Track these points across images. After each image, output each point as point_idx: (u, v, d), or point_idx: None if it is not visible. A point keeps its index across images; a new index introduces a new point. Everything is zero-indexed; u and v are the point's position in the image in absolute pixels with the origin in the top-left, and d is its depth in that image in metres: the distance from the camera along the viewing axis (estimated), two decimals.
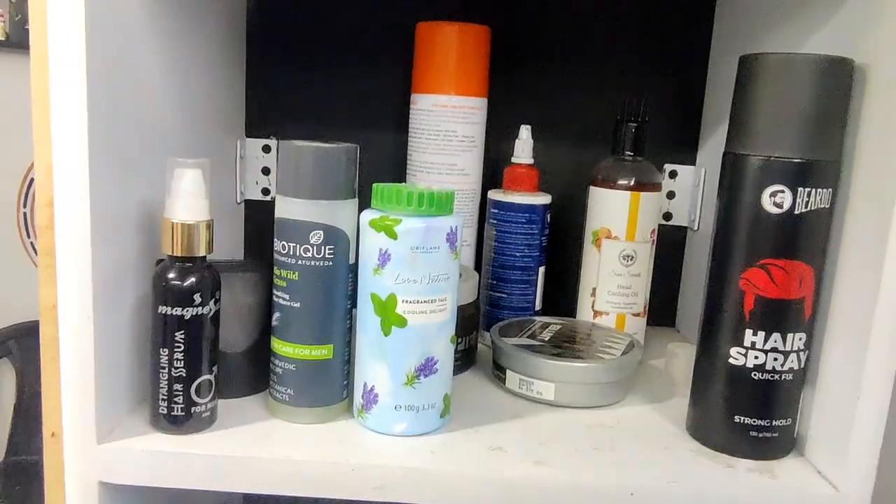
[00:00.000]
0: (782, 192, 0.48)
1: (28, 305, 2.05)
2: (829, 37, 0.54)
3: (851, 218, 0.49)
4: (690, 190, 0.79)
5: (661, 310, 0.81)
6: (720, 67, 0.75)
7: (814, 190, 0.48)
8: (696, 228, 0.78)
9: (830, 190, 0.49)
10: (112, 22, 0.47)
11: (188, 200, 0.48)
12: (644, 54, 0.77)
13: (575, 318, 0.72)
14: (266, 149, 0.78)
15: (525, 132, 0.71)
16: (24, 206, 2.19)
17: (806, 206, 0.48)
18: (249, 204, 0.79)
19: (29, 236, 2.19)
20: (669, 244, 0.80)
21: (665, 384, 0.66)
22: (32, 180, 2.12)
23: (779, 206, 0.49)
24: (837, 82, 0.48)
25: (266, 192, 0.79)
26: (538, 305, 0.73)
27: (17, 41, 2.06)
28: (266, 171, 0.78)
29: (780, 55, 0.49)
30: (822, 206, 0.49)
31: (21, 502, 1.77)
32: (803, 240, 0.49)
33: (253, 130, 0.78)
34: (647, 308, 0.71)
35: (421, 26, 0.69)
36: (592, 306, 0.70)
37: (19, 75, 2.05)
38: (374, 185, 0.51)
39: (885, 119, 0.46)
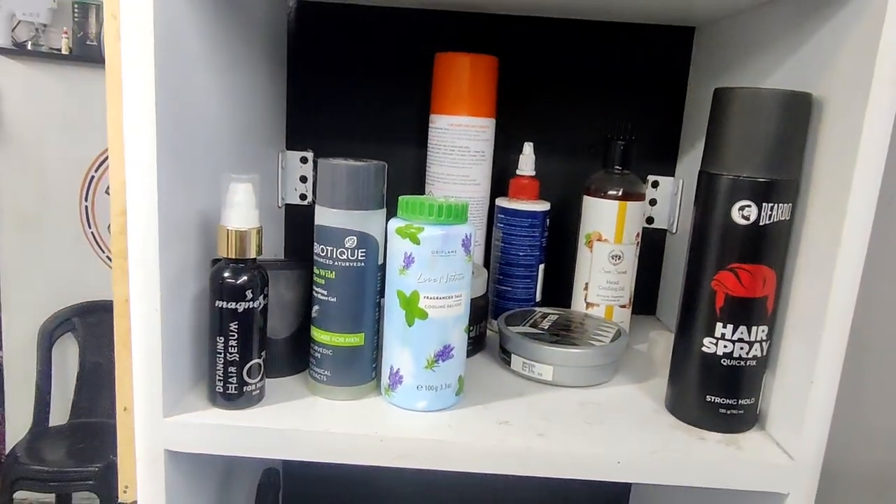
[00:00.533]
0: (749, 206, 0.49)
1: (89, 288, 2.07)
2: (791, 70, 0.54)
3: (808, 228, 0.50)
4: (670, 198, 0.79)
5: (644, 301, 0.81)
6: (697, 92, 0.74)
7: (776, 205, 0.49)
8: (674, 231, 0.78)
9: (790, 204, 0.50)
10: (176, 57, 0.48)
11: (241, 210, 0.49)
12: (631, 81, 0.77)
13: (570, 308, 0.72)
14: (303, 160, 0.78)
15: (528, 148, 0.71)
16: (86, 199, 2.19)
17: (769, 219, 0.49)
18: (289, 207, 0.79)
19: (90, 227, 2.19)
20: (652, 244, 0.80)
21: (647, 366, 0.67)
22: (93, 178, 2.13)
23: (746, 218, 0.49)
24: (797, 113, 0.49)
25: (303, 197, 0.79)
26: (539, 297, 0.73)
27: (79, 55, 2.07)
28: (304, 179, 0.79)
29: (748, 90, 0.50)
30: (784, 218, 0.49)
31: (83, 458, 1.80)
32: (767, 247, 0.50)
33: (292, 144, 0.78)
34: (632, 300, 0.71)
35: (439, 56, 0.69)
36: (585, 298, 0.70)
37: (80, 85, 2.05)
38: (400, 197, 0.52)
39: (837, 144, 0.47)
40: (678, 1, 0.61)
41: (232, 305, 0.49)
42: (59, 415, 2.04)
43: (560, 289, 0.77)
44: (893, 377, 0.56)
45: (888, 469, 0.55)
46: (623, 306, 0.70)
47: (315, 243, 0.52)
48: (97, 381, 2.06)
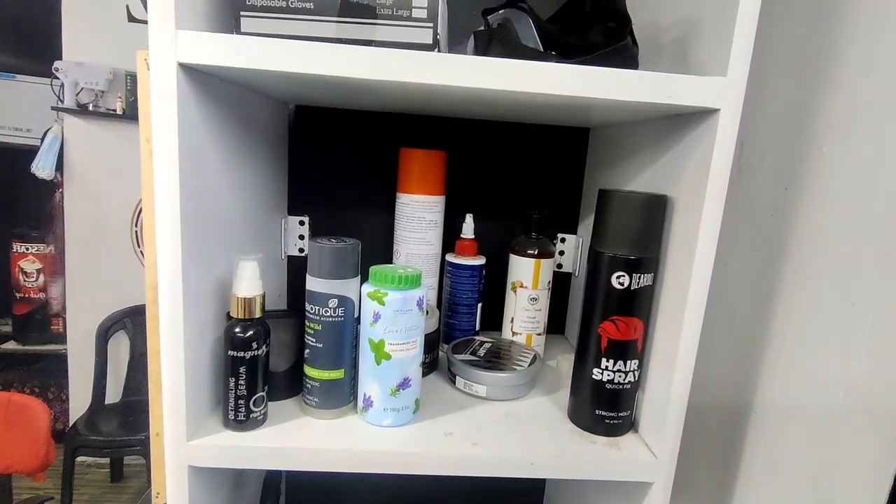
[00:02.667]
0: (623, 276, 0.50)
1: (136, 294, 2.02)
2: (655, 172, 0.56)
3: (665, 291, 0.51)
4: (573, 250, 0.80)
5: (556, 324, 0.82)
6: (592, 174, 0.76)
7: (643, 275, 0.50)
8: (577, 275, 0.79)
9: (653, 274, 0.51)
10: (197, 164, 0.47)
11: (247, 283, 0.48)
12: (545, 166, 0.78)
13: (501, 335, 0.73)
14: (301, 223, 0.77)
15: (469, 218, 0.71)
16: (136, 225, 2.13)
17: (638, 284, 0.50)
18: (290, 259, 0.78)
19: (139, 246, 2.13)
20: (561, 283, 0.81)
21: (556, 380, 0.67)
22: (141, 209, 2.06)
23: (622, 284, 0.50)
24: (657, 209, 0.50)
25: (301, 250, 0.78)
26: (478, 327, 0.73)
27: (131, 115, 2.01)
28: (301, 237, 0.77)
29: (622, 192, 0.51)
30: (648, 284, 0.51)
31: (132, 429, 1.74)
32: (636, 305, 0.51)
33: (293, 210, 0.77)
34: (546, 328, 0.72)
35: (403, 150, 0.69)
36: (511, 329, 0.71)
37: (130, 137, 2.00)
38: (371, 268, 0.52)
39: (683, 232, 0.49)
40: (578, 112, 0.62)
41: (241, 354, 0.48)
42: (112, 394, 1.98)
43: (494, 320, 0.77)
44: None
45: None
46: (539, 334, 0.71)
47: (306, 303, 0.52)
48: (144, 367, 2.00)
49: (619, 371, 0.52)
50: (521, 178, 0.78)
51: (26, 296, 2.20)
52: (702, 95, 0.44)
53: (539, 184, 0.78)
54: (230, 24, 0.42)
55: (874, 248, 0.43)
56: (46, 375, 2.20)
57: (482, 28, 0.49)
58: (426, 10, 0.42)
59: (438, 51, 0.43)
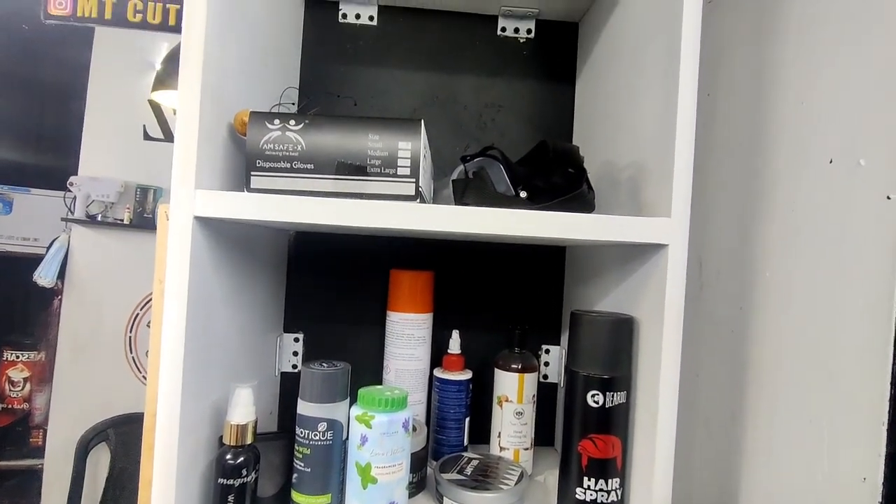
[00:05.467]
0: (598, 394, 0.53)
1: (123, 403, 1.98)
2: (620, 292, 0.60)
3: (638, 408, 0.54)
4: (558, 361, 0.82)
5: (544, 436, 0.82)
6: (570, 289, 0.80)
7: (616, 393, 0.53)
8: (562, 385, 0.81)
9: (625, 392, 0.54)
10: (203, 298, 0.51)
11: (241, 410, 0.51)
12: (526, 283, 0.82)
13: (489, 450, 0.73)
14: (296, 339, 0.80)
15: (455, 334, 0.74)
16: (130, 331, 2.14)
17: (612, 402, 0.53)
18: (284, 375, 0.80)
19: (131, 352, 2.12)
20: (546, 394, 0.82)
21: (544, 496, 0.66)
22: (137, 314, 2.09)
23: (597, 402, 0.53)
24: (626, 330, 0.54)
25: (295, 366, 0.80)
26: (466, 442, 0.73)
27: (137, 224, 2.11)
28: (295, 353, 0.80)
29: (590, 314, 0.55)
30: (622, 402, 0.53)
31: None
32: (613, 423, 0.53)
33: (288, 328, 0.80)
34: (533, 442, 0.72)
35: (393, 271, 0.74)
36: (499, 444, 0.71)
37: (134, 244, 2.08)
38: (360, 390, 0.54)
39: (649, 352, 0.52)
40: (555, 236, 0.69)
41: (230, 482, 0.49)
42: None
43: (481, 434, 0.77)
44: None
45: None
46: (526, 448, 0.71)
47: (297, 426, 0.54)
48: (123, 483, 1.90)
49: (601, 490, 0.53)
50: (504, 294, 0.82)
51: (9, 406, 2.15)
52: (650, 233, 0.50)
53: (521, 299, 0.82)
54: (241, 180, 0.50)
55: (819, 367, 0.47)
56: (18, 495, 2.07)
57: (461, 177, 0.57)
58: (409, 168, 0.49)
59: (421, 200, 0.50)
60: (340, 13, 0.80)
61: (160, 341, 0.47)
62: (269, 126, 0.49)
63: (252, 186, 0.49)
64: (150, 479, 0.49)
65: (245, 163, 0.49)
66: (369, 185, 0.49)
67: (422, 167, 0.51)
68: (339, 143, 0.49)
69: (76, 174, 2.11)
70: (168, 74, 1.73)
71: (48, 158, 2.23)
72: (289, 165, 0.49)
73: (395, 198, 0.49)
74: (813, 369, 0.48)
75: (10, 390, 2.15)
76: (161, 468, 0.48)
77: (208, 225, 0.51)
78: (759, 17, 0.59)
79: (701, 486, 0.63)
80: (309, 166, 0.49)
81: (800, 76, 0.53)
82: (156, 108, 2.19)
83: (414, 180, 0.49)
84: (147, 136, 2.18)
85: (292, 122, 0.49)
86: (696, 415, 0.64)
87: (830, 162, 0.48)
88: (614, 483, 0.54)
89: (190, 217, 0.47)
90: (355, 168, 0.49)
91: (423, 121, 0.50)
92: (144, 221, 2.15)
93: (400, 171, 0.49)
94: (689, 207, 0.51)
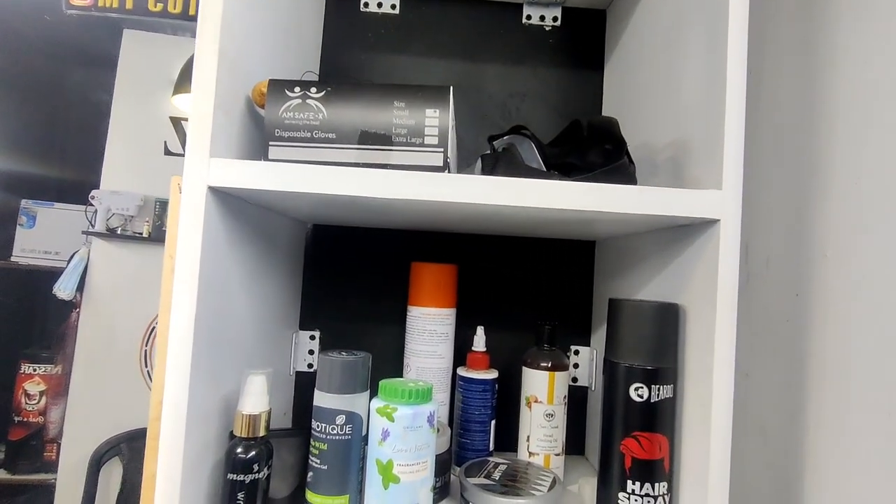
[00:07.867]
0: (642, 387, 0.48)
1: (137, 418, 1.94)
2: (662, 280, 0.56)
3: (687, 404, 0.49)
4: (588, 363, 0.78)
5: (575, 444, 0.77)
6: (600, 285, 0.76)
7: (662, 386, 0.48)
8: (593, 388, 0.76)
9: (672, 385, 0.49)
10: (216, 283, 0.48)
11: (255, 398, 0.47)
12: (554, 278, 0.78)
13: (517, 455, 0.68)
14: (312, 337, 0.77)
15: (480, 330, 0.70)
16: (146, 344, 2.13)
17: (658, 396, 0.48)
18: (299, 374, 0.77)
19: (146, 366, 2.10)
20: (577, 399, 0.78)
21: (578, 502, 0.62)
22: (154, 328, 2.07)
23: (641, 396, 0.48)
24: (671, 318, 0.50)
25: (310, 366, 0.76)
26: (492, 447, 0.68)
27: (156, 237, 2.11)
28: (311, 352, 0.76)
29: (632, 301, 0.51)
30: (668, 396, 0.49)
31: None
32: (659, 419, 0.48)
33: (304, 326, 0.77)
34: (564, 448, 0.67)
35: (414, 264, 0.71)
36: (528, 448, 0.66)
37: (152, 258, 2.08)
38: (381, 382, 0.50)
39: (699, 341, 0.47)
40: (583, 226, 0.65)
41: (241, 478, 0.45)
42: None
43: (508, 439, 0.73)
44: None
45: None
46: (558, 454, 0.66)
47: (313, 420, 0.50)
48: (136, 499, 1.85)
49: (647, 496, 0.48)
50: (531, 290, 0.78)
51: (25, 419, 2.14)
52: (700, 207, 0.46)
53: (549, 295, 0.78)
54: (259, 154, 0.47)
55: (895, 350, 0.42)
56: None
57: (488, 152, 0.53)
58: (437, 137, 0.46)
59: (449, 172, 0.46)
60: (362, 2, 0.79)
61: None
62: (289, 94, 0.46)
63: (270, 157, 0.46)
64: (153, 473, 0.45)
65: (263, 134, 0.46)
66: (394, 156, 0.46)
67: (450, 137, 0.47)
68: (362, 111, 0.46)
69: (98, 188, 2.13)
70: (187, 79, 1.74)
71: (72, 173, 2.26)
72: (309, 135, 0.46)
73: (423, 169, 0.46)
74: (889, 360, 0.43)
75: (26, 403, 2.13)
76: (166, 460, 0.44)
77: (224, 202, 0.48)
78: None
79: (758, 498, 0.56)
80: (330, 136, 0.46)
81: (860, 39, 0.49)
82: (176, 125, 2.22)
83: (442, 150, 0.46)
84: (168, 152, 2.21)
85: (313, 89, 0.46)
86: (749, 420, 0.58)
87: None
88: (661, 488, 0.48)
89: (204, 187, 0.44)
90: (380, 137, 0.46)
91: (451, 87, 0.47)
92: (162, 235, 2.15)
93: (427, 141, 0.46)
94: (741, 179, 0.46)
